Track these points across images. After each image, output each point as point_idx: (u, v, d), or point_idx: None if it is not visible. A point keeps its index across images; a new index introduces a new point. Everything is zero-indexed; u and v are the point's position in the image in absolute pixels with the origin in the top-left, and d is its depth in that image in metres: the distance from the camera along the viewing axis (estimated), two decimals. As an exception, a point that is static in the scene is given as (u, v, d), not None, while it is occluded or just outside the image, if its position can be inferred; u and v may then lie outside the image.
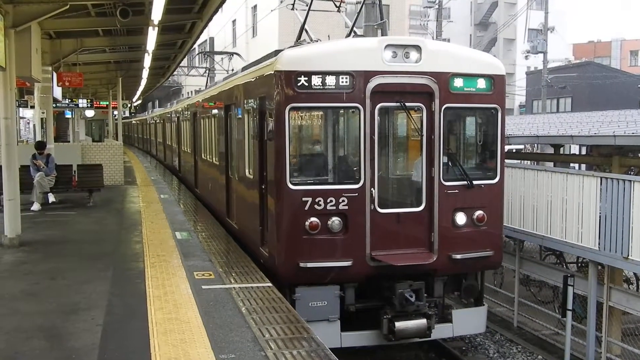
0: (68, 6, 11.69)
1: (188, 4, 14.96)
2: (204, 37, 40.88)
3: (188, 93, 39.57)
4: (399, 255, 8.85)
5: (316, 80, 8.53)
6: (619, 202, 10.00)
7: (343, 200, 8.68)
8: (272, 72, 8.87)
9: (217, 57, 37.25)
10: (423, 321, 8.82)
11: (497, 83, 9.36)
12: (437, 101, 8.96)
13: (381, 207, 8.91)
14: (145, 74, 25.28)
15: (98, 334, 6.35)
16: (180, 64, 29.61)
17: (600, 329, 10.80)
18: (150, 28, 13.43)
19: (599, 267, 10.81)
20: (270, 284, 8.34)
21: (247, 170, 10.78)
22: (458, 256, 9.07)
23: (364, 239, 8.78)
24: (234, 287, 8.09)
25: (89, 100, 32.22)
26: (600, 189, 10.42)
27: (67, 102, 29.53)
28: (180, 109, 23.25)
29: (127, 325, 6.67)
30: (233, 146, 12.25)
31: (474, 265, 9.44)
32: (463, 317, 9.60)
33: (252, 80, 10.35)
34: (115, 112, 32.07)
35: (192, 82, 46.58)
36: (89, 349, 5.98)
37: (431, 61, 8.95)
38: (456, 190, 9.13)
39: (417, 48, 8.90)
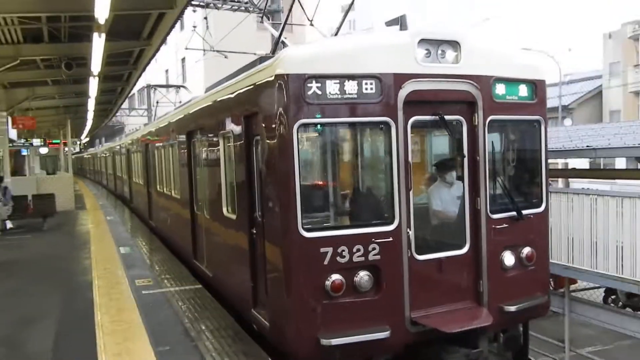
0: (19, 61, 11.26)
1: (125, 57, 14.62)
2: (141, 83, 39.85)
3: (129, 130, 38.15)
4: (444, 314, 5.64)
5: (332, 87, 5.24)
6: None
7: (374, 248, 5.37)
8: (272, 78, 5.33)
9: (159, 95, 35.37)
10: None
11: (539, 90, 6.27)
12: (480, 112, 5.84)
13: (419, 253, 5.59)
14: (90, 115, 24.45)
15: (51, 340, 6.08)
16: (122, 107, 28.75)
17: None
18: (91, 78, 13.08)
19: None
20: (200, 286, 8.13)
21: (225, 209, 7.09)
22: (512, 308, 5.84)
23: (401, 298, 5.47)
24: (170, 291, 7.89)
25: (42, 140, 30.97)
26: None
27: (22, 141, 28.24)
28: (132, 140, 18.12)
29: (77, 330, 6.41)
30: (198, 178, 8.67)
31: (524, 315, 6.20)
32: None
33: (233, 95, 6.61)
34: (66, 149, 31.09)
35: (132, 121, 45.19)
36: (44, 352, 5.74)
37: (471, 62, 5.77)
38: (505, 225, 5.99)
39: (456, 45, 5.71)
